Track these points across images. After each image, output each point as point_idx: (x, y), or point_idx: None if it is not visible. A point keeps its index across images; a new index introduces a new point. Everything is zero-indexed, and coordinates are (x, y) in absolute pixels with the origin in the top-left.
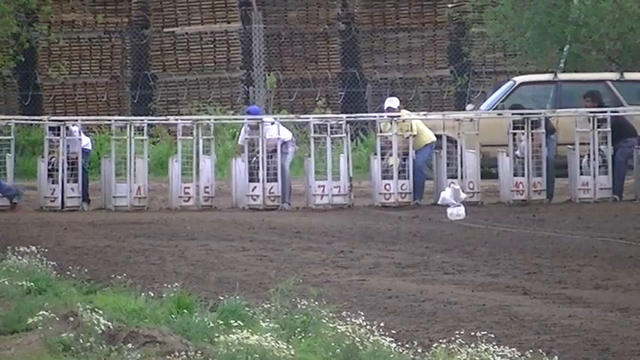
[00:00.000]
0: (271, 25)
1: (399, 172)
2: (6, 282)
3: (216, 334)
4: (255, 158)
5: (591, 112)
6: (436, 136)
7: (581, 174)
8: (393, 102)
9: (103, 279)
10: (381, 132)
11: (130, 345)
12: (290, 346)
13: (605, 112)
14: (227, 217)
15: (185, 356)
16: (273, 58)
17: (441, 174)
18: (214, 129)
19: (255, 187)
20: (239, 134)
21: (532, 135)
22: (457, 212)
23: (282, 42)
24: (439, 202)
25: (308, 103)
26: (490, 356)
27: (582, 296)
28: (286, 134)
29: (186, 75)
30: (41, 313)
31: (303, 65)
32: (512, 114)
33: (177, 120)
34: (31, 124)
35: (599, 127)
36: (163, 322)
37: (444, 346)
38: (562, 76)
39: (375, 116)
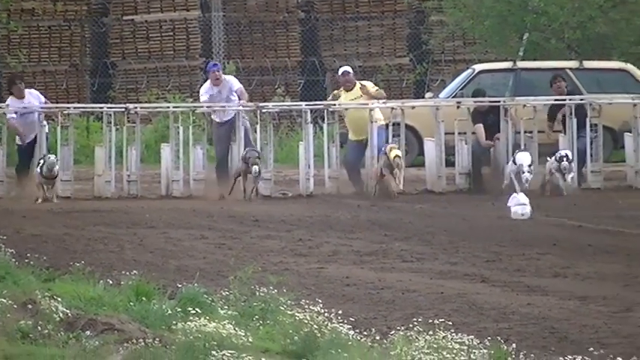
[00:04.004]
0: (231, 13)
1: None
2: None
3: (175, 322)
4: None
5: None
6: (395, 124)
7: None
8: (348, 68)
9: (61, 267)
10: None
11: (88, 332)
12: (248, 334)
13: (565, 100)
14: (186, 205)
15: (143, 343)
16: (232, 46)
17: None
18: (174, 117)
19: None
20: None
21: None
22: (522, 211)
23: (242, 30)
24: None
25: (267, 92)
26: (448, 343)
27: (541, 284)
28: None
29: (145, 63)
30: (0, 300)
31: (263, 53)
32: (475, 101)
33: (136, 107)
34: None
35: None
36: (122, 310)
37: (402, 333)
38: (521, 64)
39: (335, 104)
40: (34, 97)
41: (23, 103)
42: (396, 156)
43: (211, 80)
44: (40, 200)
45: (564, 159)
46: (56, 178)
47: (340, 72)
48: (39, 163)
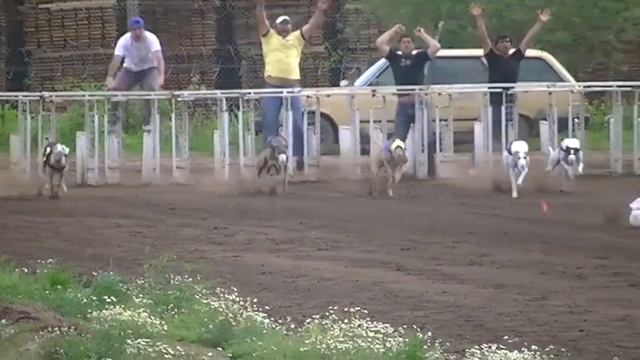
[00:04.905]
0: (146, 1)
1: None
2: None
3: (90, 310)
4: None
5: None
6: (311, 113)
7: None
8: (287, 17)
9: None
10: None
11: (3, 321)
12: (163, 322)
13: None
14: (102, 193)
15: (59, 332)
16: None
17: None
18: (89, 105)
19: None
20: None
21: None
22: None
23: (158, 18)
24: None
25: (182, 80)
26: (364, 332)
27: (456, 272)
28: None
29: (61, 51)
30: None
31: (178, 41)
32: (399, 89)
33: (52, 96)
34: None
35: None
36: (37, 298)
37: (317, 321)
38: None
39: (249, 92)
40: None
41: None
42: (398, 147)
43: (132, 36)
44: (47, 188)
45: (572, 151)
46: (63, 169)
47: (279, 20)
48: (45, 153)
